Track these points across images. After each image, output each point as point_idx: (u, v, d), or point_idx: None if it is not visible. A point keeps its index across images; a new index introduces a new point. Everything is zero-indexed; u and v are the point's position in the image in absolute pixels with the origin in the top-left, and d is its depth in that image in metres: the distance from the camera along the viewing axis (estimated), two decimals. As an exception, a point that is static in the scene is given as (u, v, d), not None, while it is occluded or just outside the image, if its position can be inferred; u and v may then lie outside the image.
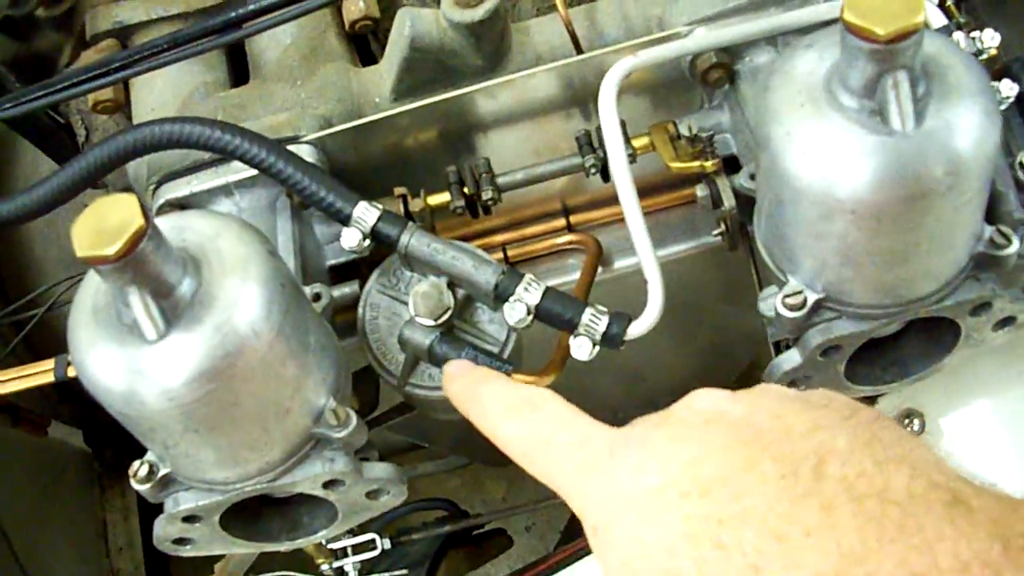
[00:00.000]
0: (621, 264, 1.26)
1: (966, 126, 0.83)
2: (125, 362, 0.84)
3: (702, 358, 1.46)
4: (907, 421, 1.16)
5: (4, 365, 1.25)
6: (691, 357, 1.50)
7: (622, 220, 1.21)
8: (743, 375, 1.57)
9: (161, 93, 1.26)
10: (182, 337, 0.83)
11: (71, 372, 1.25)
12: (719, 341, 1.45)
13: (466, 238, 1.27)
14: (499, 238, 1.27)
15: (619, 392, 1.54)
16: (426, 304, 1.01)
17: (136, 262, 0.79)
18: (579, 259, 1.27)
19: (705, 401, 0.73)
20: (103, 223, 0.78)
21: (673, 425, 0.72)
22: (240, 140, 1.04)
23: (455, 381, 0.96)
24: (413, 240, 1.01)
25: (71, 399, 1.87)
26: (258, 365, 0.86)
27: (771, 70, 0.90)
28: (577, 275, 1.25)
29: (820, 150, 0.84)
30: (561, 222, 1.28)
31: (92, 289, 0.89)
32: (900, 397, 1.15)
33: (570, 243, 1.26)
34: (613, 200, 1.24)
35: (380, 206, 1.02)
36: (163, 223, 0.86)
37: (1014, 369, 1.17)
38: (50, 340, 1.77)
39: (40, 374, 1.27)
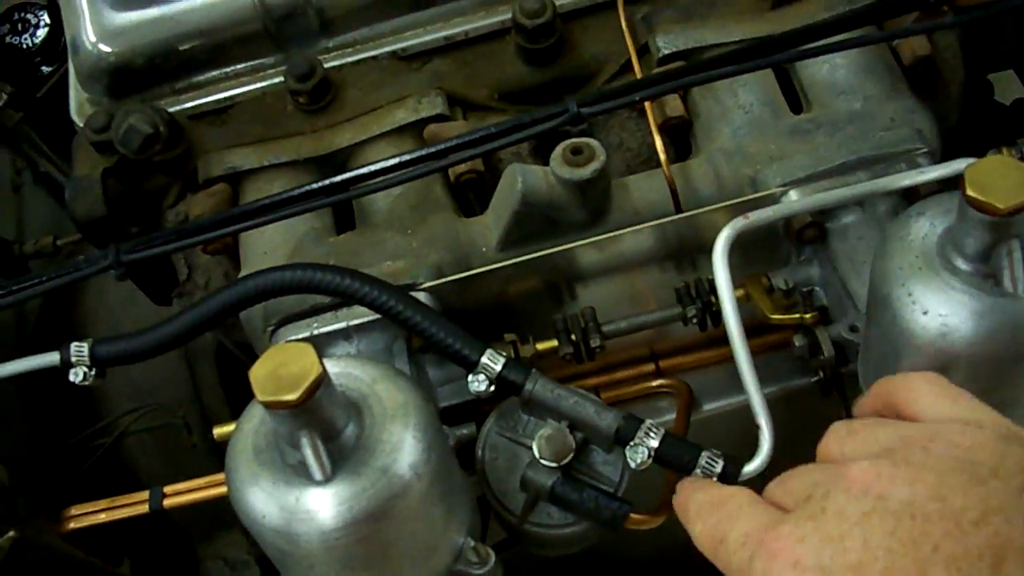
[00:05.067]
0: (709, 407, 1.32)
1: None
2: (291, 502, 0.89)
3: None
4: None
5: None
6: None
7: (707, 365, 1.29)
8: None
9: (271, 237, 1.33)
10: (349, 479, 0.89)
11: (167, 503, 1.29)
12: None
13: (561, 380, 1.33)
14: (591, 381, 1.33)
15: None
16: (551, 447, 1.07)
17: (312, 408, 0.84)
18: (668, 401, 1.32)
19: (862, 476, 0.70)
20: (281, 370, 0.83)
21: (829, 518, 0.69)
22: (369, 288, 1.10)
23: (677, 496, 0.94)
24: (538, 387, 1.07)
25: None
26: (416, 507, 0.92)
27: (885, 235, 0.98)
28: (667, 417, 1.31)
29: (941, 310, 0.91)
30: (650, 366, 1.34)
31: (251, 429, 0.94)
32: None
33: (662, 386, 1.32)
34: (698, 346, 1.32)
35: (504, 354, 1.09)
36: (324, 369, 0.93)
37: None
38: (115, 469, 1.82)
39: (132, 505, 1.30)
